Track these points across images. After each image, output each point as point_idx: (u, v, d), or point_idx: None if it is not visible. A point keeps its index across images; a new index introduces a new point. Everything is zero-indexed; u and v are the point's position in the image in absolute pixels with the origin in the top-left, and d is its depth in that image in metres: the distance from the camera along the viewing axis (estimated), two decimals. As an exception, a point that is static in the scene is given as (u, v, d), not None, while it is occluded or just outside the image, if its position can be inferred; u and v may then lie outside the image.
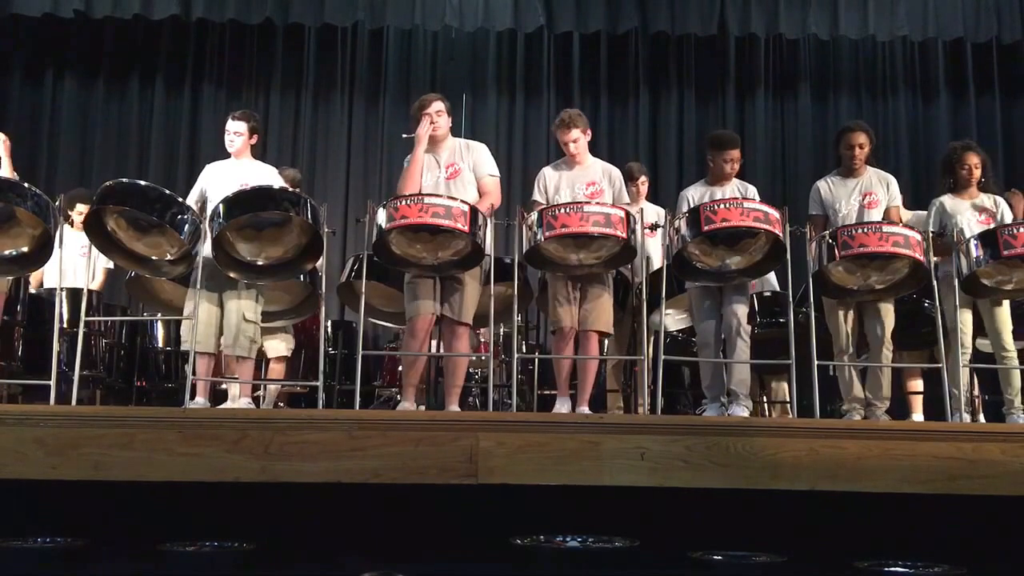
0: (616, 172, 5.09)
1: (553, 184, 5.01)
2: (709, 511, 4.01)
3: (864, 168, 5.08)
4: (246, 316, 4.87)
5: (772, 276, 5.53)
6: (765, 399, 6.28)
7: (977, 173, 5.09)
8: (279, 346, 5.83)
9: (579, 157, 5.02)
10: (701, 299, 4.98)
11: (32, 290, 5.80)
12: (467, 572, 3.99)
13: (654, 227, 5.05)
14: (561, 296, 4.85)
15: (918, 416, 5.37)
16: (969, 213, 5.04)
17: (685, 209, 4.98)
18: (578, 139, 4.99)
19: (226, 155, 5.22)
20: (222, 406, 4.93)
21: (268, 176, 5.15)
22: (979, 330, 5.10)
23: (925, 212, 5.42)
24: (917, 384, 5.52)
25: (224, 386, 5.16)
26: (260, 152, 8.26)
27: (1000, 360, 4.95)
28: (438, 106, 4.93)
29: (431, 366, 5.60)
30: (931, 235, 4.78)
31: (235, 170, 5.11)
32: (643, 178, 5.95)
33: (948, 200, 5.12)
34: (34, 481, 3.79)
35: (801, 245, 4.82)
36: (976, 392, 5.53)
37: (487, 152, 5.03)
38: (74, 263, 5.80)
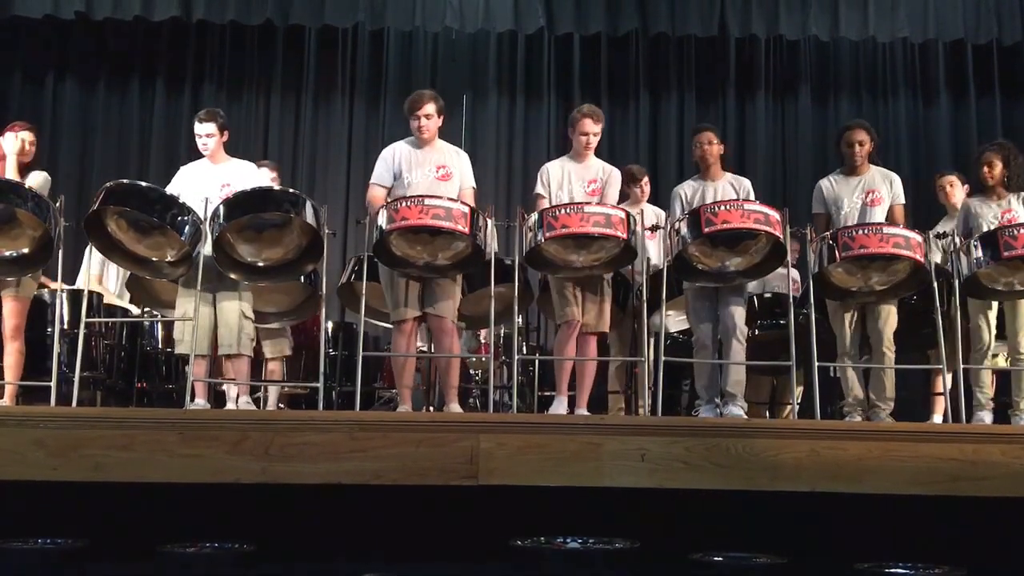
0: (616, 173, 5.10)
1: (556, 179, 5.01)
2: (709, 512, 4.01)
3: (867, 166, 5.09)
4: (245, 313, 4.86)
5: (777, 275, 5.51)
6: (770, 400, 6.26)
7: (992, 172, 5.02)
8: (277, 347, 5.84)
9: (589, 152, 5.03)
10: (697, 301, 4.98)
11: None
12: (467, 573, 3.99)
13: (654, 228, 5.06)
14: (566, 292, 4.85)
15: (938, 417, 5.30)
16: (991, 215, 5.01)
17: (677, 207, 5.04)
18: (599, 134, 5.01)
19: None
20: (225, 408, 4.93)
21: (251, 174, 5.08)
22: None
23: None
24: (941, 384, 5.49)
25: (223, 387, 5.15)
26: (262, 153, 8.38)
27: (1014, 362, 4.94)
28: (429, 109, 4.87)
29: (430, 368, 5.60)
30: (932, 236, 4.79)
31: (213, 172, 5.03)
32: (645, 179, 5.96)
33: (975, 202, 5.11)
34: (35, 482, 3.80)
35: (802, 247, 4.82)
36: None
37: (469, 162, 5.05)
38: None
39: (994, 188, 5.06)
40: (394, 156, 4.93)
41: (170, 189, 4.92)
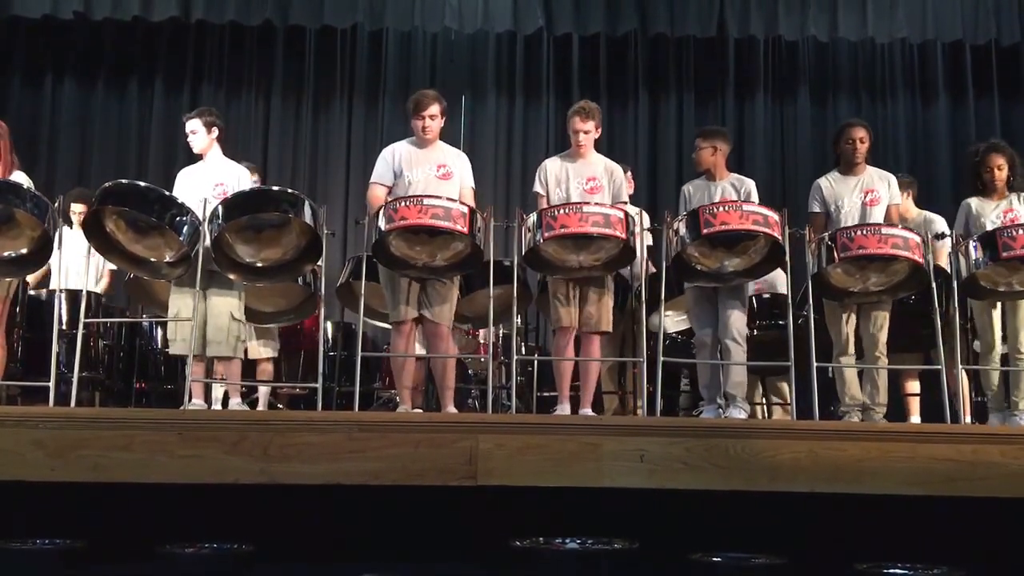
0: (618, 170, 5.10)
1: (554, 176, 5.01)
2: (709, 513, 4.01)
3: (864, 165, 5.10)
4: (234, 315, 4.85)
5: (780, 276, 5.51)
6: (765, 400, 6.27)
7: (1001, 174, 5.06)
8: (264, 349, 5.84)
9: (584, 150, 5.02)
10: (697, 301, 4.99)
11: (31, 291, 5.79)
12: (466, 574, 3.99)
13: (652, 229, 5.07)
14: (561, 295, 4.85)
15: (915, 418, 5.37)
16: (994, 215, 5.03)
17: (681, 205, 5.08)
18: (590, 131, 4.99)
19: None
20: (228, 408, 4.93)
21: (243, 177, 5.09)
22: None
23: (928, 213, 5.45)
24: (914, 386, 5.51)
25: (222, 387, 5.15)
26: (261, 154, 8.38)
27: (1014, 362, 4.94)
28: (433, 110, 4.89)
29: (425, 369, 5.60)
30: (931, 237, 4.79)
31: (204, 173, 5.07)
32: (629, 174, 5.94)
33: (976, 202, 5.11)
34: (33, 483, 3.79)
35: (802, 247, 4.82)
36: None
37: (469, 164, 5.06)
38: (77, 264, 5.77)
39: (996, 188, 5.07)
40: (394, 155, 4.94)
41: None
